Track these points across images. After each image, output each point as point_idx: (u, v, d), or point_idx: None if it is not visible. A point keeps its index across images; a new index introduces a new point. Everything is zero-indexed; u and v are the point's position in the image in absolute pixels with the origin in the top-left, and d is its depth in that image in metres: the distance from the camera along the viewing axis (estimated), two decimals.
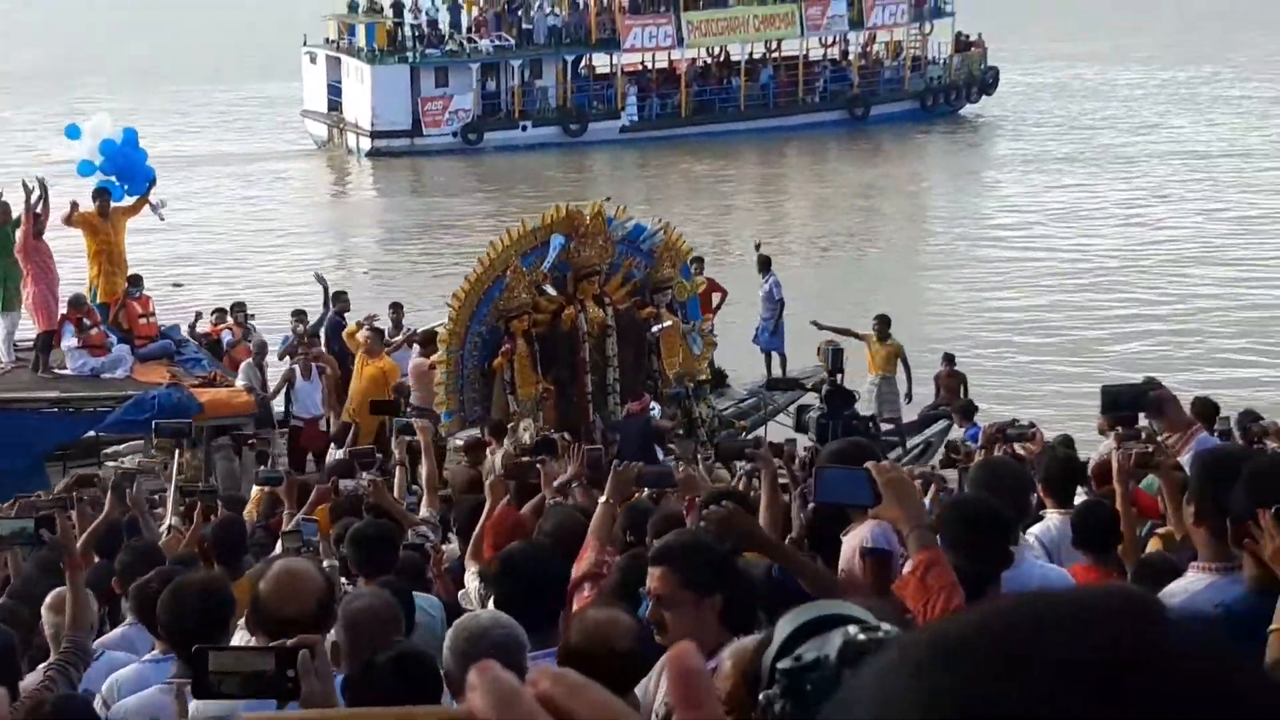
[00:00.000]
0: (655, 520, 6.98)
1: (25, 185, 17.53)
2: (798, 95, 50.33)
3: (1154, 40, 70.26)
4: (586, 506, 7.49)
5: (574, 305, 16.38)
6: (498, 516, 7.81)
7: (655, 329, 16.73)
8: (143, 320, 18.42)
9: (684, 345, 17.14)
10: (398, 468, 10.24)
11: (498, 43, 47.85)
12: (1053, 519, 7.03)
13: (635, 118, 48.70)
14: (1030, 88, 57.49)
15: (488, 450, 13.47)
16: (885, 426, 17.21)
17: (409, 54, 47.08)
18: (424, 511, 8.89)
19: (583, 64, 49.75)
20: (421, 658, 4.26)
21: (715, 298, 19.61)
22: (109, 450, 16.88)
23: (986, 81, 52.62)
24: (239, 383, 17.49)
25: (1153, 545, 6.42)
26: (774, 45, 51.07)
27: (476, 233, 35.67)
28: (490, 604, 5.82)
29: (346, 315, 19.45)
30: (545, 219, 16.57)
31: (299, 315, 19.21)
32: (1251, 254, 30.38)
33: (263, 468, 11.54)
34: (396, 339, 18.73)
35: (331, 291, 19.92)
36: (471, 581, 7.51)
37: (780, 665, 2.08)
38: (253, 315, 20.03)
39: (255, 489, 11.67)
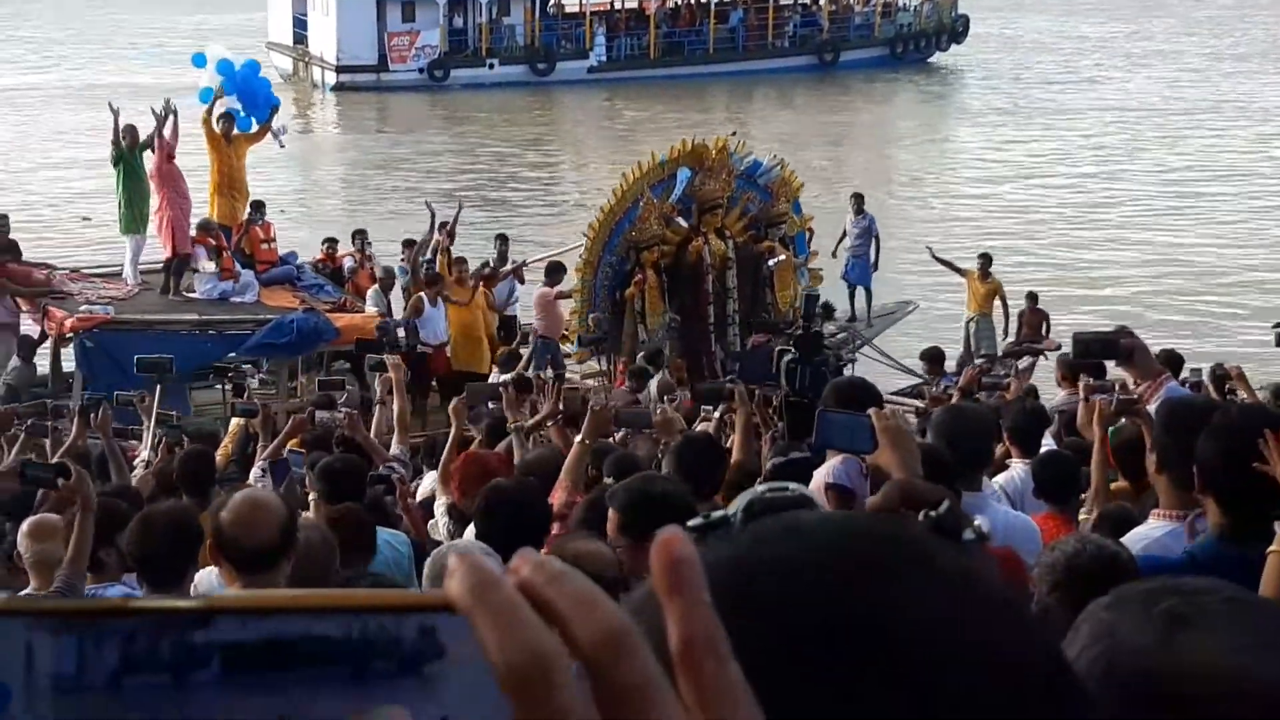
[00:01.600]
0: (609, 462, 7.00)
1: (154, 111, 17.87)
2: (767, 39, 50.13)
3: None
4: (561, 448, 7.49)
5: (699, 238, 16.71)
6: (464, 458, 7.80)
7: (771, 262, 17.14)
8: (264, 246, 18.59)
9: (794, 279, 17.58)
10: (378, 405, 10.22)
11: None
12: (1017, 469, 7.08)
13: (603, 58, 48.42)
14: (1001, 38, 57.42)
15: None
16: (978, 362, 17.59)
17: None
18: (395, 449, 8.88)
19: (551, 2, 49.40)
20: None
21: None
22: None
23: (957, 30, 52.54)
24: (369, 309, 17.49)
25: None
26: None
27: (439, 171, 35.55)
28: (467, 536, 5.82)
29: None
30: (673, 152, 16.91)
31: (409, 244, 19.14)
32: (1220, 208, 30.49)
33: (238, 400, 11.44)
34: (504, 269, 18.73)
35: (438, 221, 19.74)
36: (441, 516, 7.52)
37: (690, 523, 2.06)
38: (370, 243, 20.02)
39: (234, 421, 11.63)
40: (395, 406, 9.48)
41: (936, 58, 52.33)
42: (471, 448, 7.98)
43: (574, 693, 0.62)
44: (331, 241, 20.07)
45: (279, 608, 0.63)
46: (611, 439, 8.52)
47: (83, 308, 16.71)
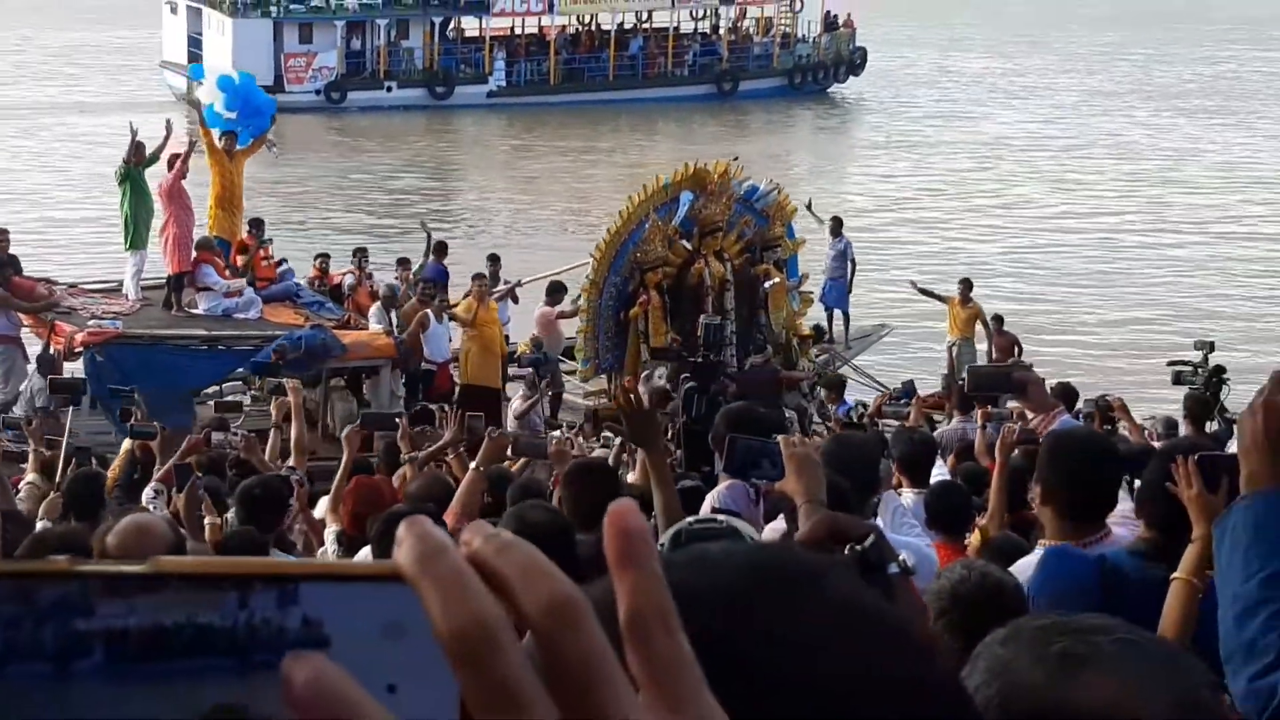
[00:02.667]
0: (513, 489, 6.98)
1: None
2: (667, 68, 50.40)
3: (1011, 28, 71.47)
4: (458, 475, 7.46)
5: (700, 260, 17.15)
6: (356, 484, 7.75)
7: (766, 285, 17.68)
8: (264, 263, 18.68)
9: (787, 301, 18.17)
10: (273, 429, 10.12)
11: (364, 1, 47.24)
12: (907, 498, 7.15)
13: (503, 83, 48.40)
14: (898, 71, 58.15)
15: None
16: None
17: (272, 8, 46.29)
18: (287, 472, 8.79)
19: (451, 26, 49.31)
20: None
21: None
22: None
23: (854, 62, 53.11)
24: (374, 326, 17.53)
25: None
26: (645, 16, 51.08)
27: (333, 192, 35.30)
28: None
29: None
30: (676, 175, 17.36)
31: (403, 263, 19.30)
32: (1089, 248, 31.04)
33: (134, 422, 11.26)
34: (497, 290, 18.75)
35: (434, 241, 19.97)
36: (331, 543, 7.46)
37: None
38: (370, 260, 20.08)
39: (126, 442, 11.46)
40: (293, 430, 9.39)
41: (834, 89, 52.87)
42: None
43: (520, 661, 0.62)
44: (324, 257, 20.03)
45: (224, 574, 0.62)
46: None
47: (90, 322, 16.72)
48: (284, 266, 19.12)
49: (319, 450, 13.39)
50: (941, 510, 6.59)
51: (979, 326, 20.05)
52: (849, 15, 52.91)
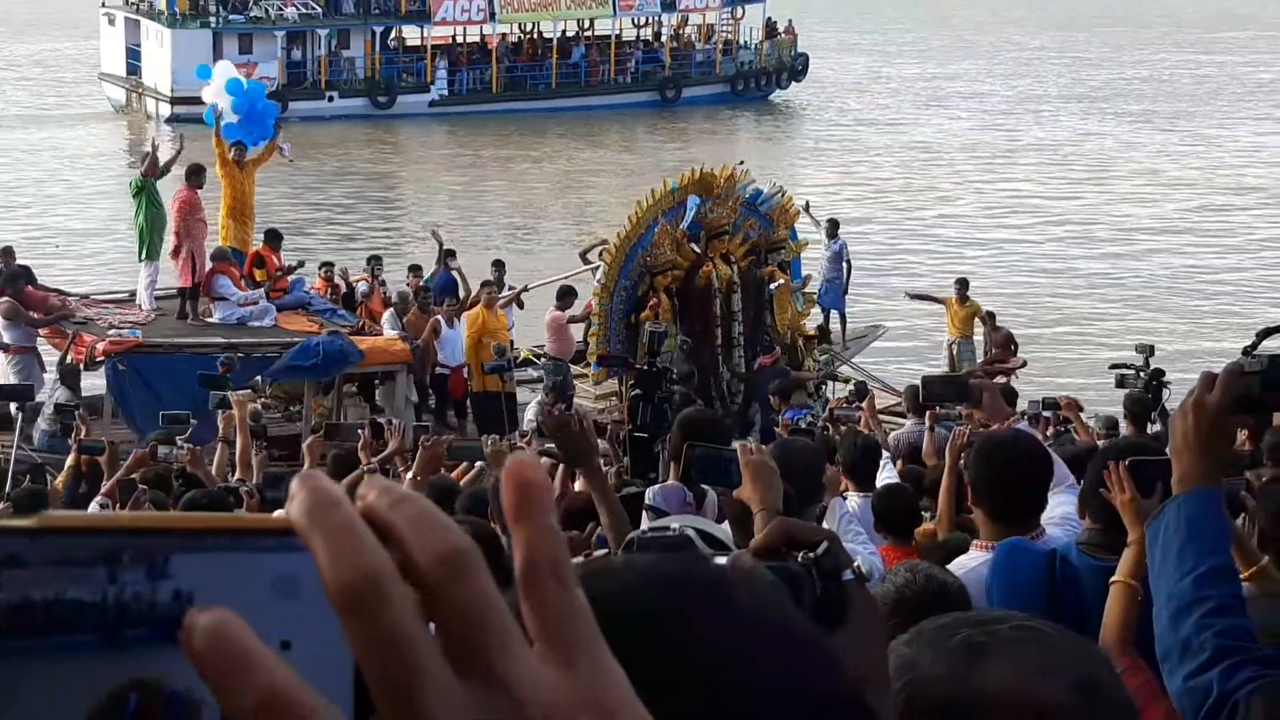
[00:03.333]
0: (462, 499, 6.96)
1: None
2: (609, 75, 50.42)
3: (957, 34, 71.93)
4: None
5: (708, 262, 17.37)
6: None
7: (772, 286, 17.99)
8: (278, 272, 18.77)
9: (791, 303, 18.45)
10: (220, 443, 10.06)
11: (304, 10, 47.02)
12: (853, 502, 7.19)
13: (445, 92, 48.29)
14: (840, 77, 58.42)
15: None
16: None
17: (211, 19, 46.01)
18: (236, 484, 8.74)
19: (392, 36, 49.15)
20: None
21: None
22: None
23: (796, 68, 53.30)
24: (388, 332, 17.68)
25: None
26: (587, 24, 51.09)
27: (273, 204, 35.08)
28: None
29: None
30: (683, 180, 17.61)
31: (415, 270, 19.39)
32: (1032, 246, 31.28)
33: (82, 437, 11.16)
34: (503, 295, 18.93)
35: (444, 249, 20.13)
36: None
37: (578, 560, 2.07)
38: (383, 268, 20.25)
39: (70, 456, 11.36)
40: (238, 444, 9.32)
41: (777, 95, 53.03)
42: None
43: (409, 614, 0.61)
44: (328, 265, 20.09)
45: (112, 528, 0.62)
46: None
47: (110, 332, 16.86)
48: (294, 276, 19.26)
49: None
50: (888, 513, 6.64)
51: (977, 324, 20.36)
52: (790, 22, 53.14)
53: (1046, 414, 12.62)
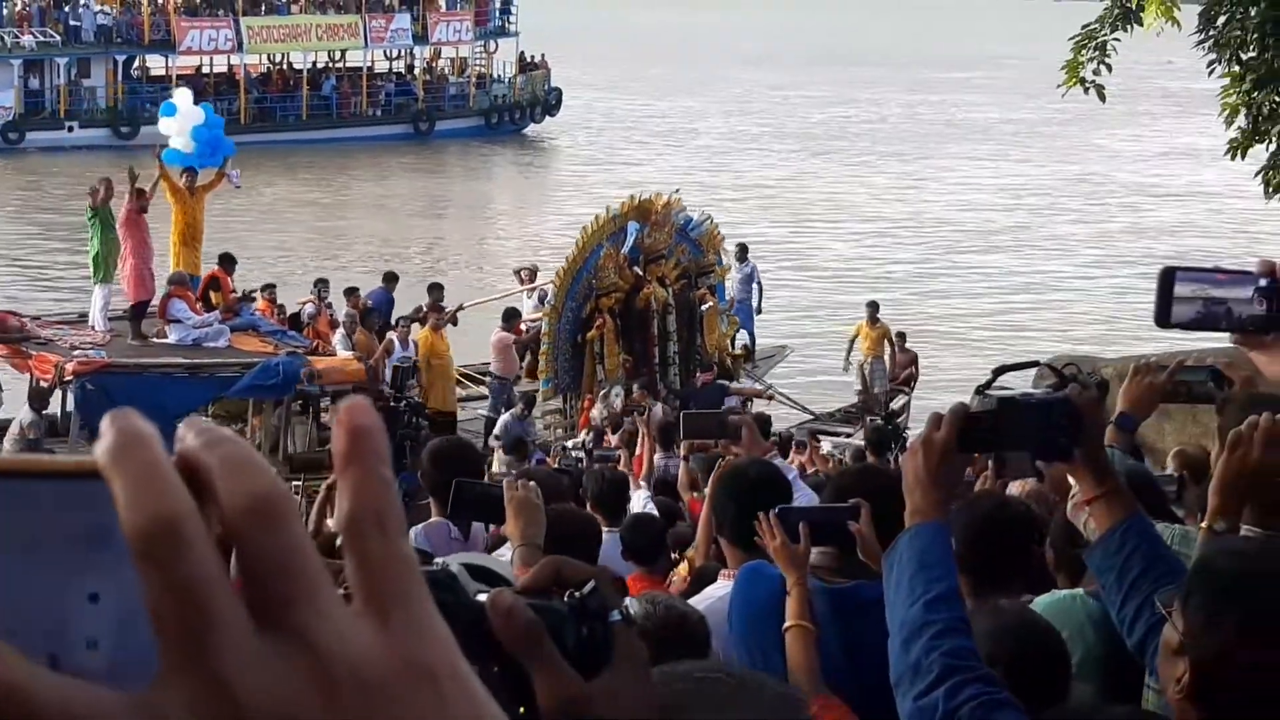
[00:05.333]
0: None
1: (132, 171, 18.67)
2: (361, 107, 49.95)
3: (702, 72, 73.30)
4: None
5: (647, 285, 18.48)
6: None
7: (703, 308, 19.22)
8: (233, 294, 19.11)
9: (719, 324, 19.73)
10: None
11: (42, 39, 45.51)
12: (604, 537, 7.17)
13: None
14: (594, 111, 58.93)
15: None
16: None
17: None
18: None
19: (135, 65, 47.88)
20: None
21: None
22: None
23: (550, 102, 53.59)
24: (341, 352, 18.05)
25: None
26: (337, 55, 50.55)
27: (8, 239, 33.85)
28: None
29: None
30: (623, 207, 18.66)
31: (352, 292, 19.63)
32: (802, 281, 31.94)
33: None
34: (444, 315, 19.23)
35: (384, 271, 21.04)
36: None
37: None
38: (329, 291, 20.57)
39: None
40: None
41: (531, 129, 53.21)
42: None
43: (206, 561, 0.57)
44: (270, 288, 20.29)
45: None
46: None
47: (75, 352, 17.02)
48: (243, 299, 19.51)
49: (280, 474, 13.07)
50: (636, 543, 6.63)
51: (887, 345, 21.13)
52: (543, 56, 53.42)
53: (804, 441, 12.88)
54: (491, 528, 5.63)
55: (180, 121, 20.02)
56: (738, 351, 20.27)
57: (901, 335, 21.31)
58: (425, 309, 19.34)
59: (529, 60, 53.41)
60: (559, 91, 53.86)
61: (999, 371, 3.49)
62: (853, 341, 21.28)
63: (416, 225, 38.13)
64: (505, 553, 4.08)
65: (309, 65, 49.48)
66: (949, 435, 2.51)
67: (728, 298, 20.47)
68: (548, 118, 53.55)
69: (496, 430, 16.88)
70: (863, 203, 41.05)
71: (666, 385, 18.40)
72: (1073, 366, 2.77)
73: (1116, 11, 12.49)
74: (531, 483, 3.88)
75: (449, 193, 42.95)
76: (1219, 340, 2.30)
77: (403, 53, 51.87)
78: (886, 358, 21.06)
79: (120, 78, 46.82)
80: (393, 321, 19.29)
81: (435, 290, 20.07)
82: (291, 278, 26.30)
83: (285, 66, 49.95)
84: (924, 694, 2.43)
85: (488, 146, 50.38)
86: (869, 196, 41.96)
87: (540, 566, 1.37)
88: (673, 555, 7.63)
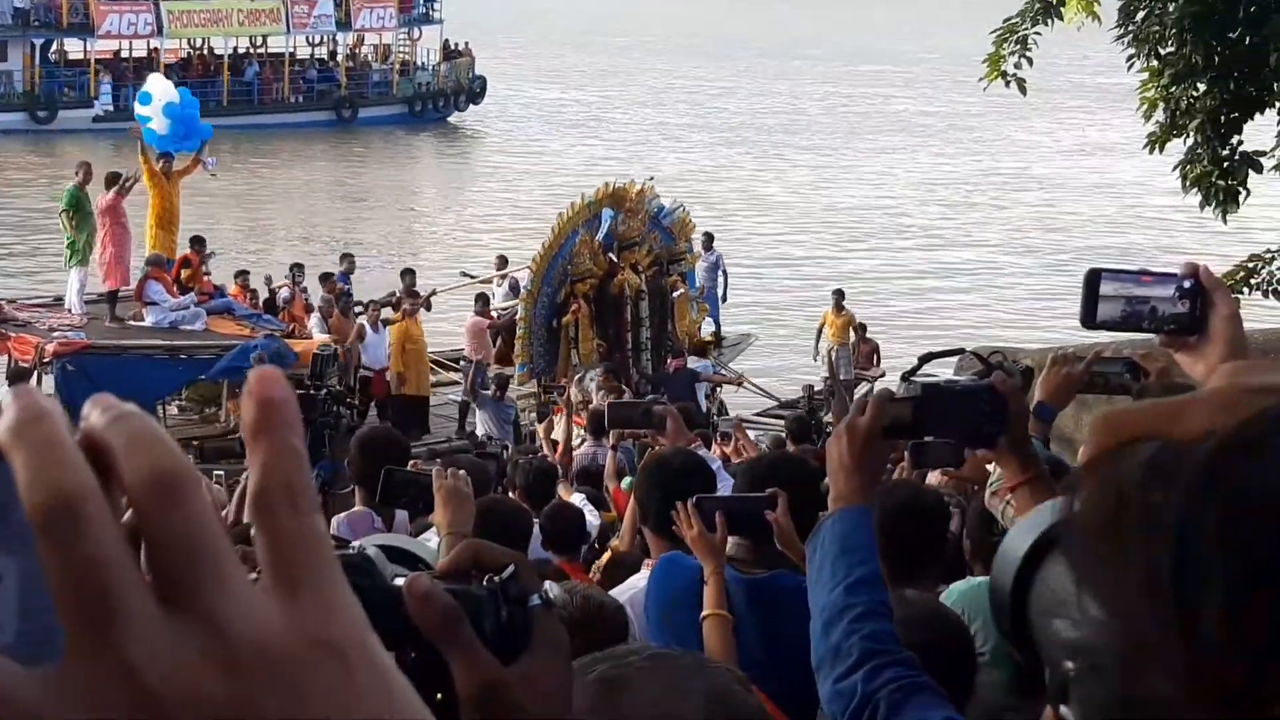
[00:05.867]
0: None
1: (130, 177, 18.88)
2: (283, 93, 49.50)
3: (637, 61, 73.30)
4: None
5: (621, 271, 18.71)
6: None
7: (675, 295, 19.61)
8: (205, 278, 19.39)
9: (689, 311, 20.10)
10: None
11: None
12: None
13: (110, 107, 46.56)
14: (516, 100, 58.77)
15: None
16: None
17: None
18: None
19: (53, 49, 47.18)
20: None
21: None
22: None
23: (474, 90, 53.36)
24: (317, 335, 18.24)
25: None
26: (259, 41, 50.06)
27: None
28: None
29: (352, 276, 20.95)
30: (598, 194, 18.89)
31: (327, 278, 19.92)
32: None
33: None
34: (417, 300, 19.53)
35: (341, 254, 21.48)
36: None
37: None
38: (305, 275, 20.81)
39: None
40: None
41: (455, 117, 52.96)
42: None
43: (107, 540, 0.56)
44: (243, 274, 20.54)
45: None
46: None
47: (54, 334, 17.22)
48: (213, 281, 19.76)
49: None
50: (554, 532, 6.64)
51: (851, 333, 21.36)
52: (467, 44, 53.17)
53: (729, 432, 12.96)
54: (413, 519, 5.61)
55: (156, 104, 20.33)
56: (707, 338, 20.63)
57: (862, 326, 21.61)
58: (399, 294, 19.66)
59: (453, 48, 53.13)
60: (483, 80, 53.64)
61: (925, 359, 3.52)
62: (820, 330, 21.57)
63: (337, 212, 37.88)
64: (431, 539, 4.07)
65: (230, 51, 48.94)
66: (872, 420, 2.52)
67: (697, 285, 20.85)
68: (472, 106, 53.32)
69: (480, 422, 17.39)
70: (776, 194, 41.18)
71: (639, 370, 18.75)
72: (999, 355, 2.79)
73: (1038, 5, 12.60)
74: (461, 471, 3.87)
75: (371, 181, 42.68)
76: (1132, 337, 2.33)
77: (325, 39, 51.43)
78: (852, 344, 21.45)
79: (38, 61, 46.11)
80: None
81: (408, 275, 20.36)
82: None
83: (206, 52, 49.40)
84: (843, 677, 2.44)
85: (411, 134, 50.10)
86: (783, 189, 42.12)
87: (458, 550, 1.37)
88: (595, 545, 7.66)
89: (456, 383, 19.54)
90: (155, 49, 47.72)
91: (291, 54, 49.99)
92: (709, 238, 23.44)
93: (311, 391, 6.76)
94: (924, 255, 33.64)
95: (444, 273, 27.84)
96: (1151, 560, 0.62)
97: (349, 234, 34.87)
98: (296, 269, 20.80)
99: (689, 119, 57.61)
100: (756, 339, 23.26)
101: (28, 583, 0.56)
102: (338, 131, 48.71)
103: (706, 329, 21.23)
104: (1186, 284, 2.15)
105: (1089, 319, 2.22)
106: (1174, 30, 12.44)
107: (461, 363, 19.34)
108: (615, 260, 18.73)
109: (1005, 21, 12.83)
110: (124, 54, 47.99)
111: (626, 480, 8.30)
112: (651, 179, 20.10)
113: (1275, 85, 12.43)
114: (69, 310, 18.62)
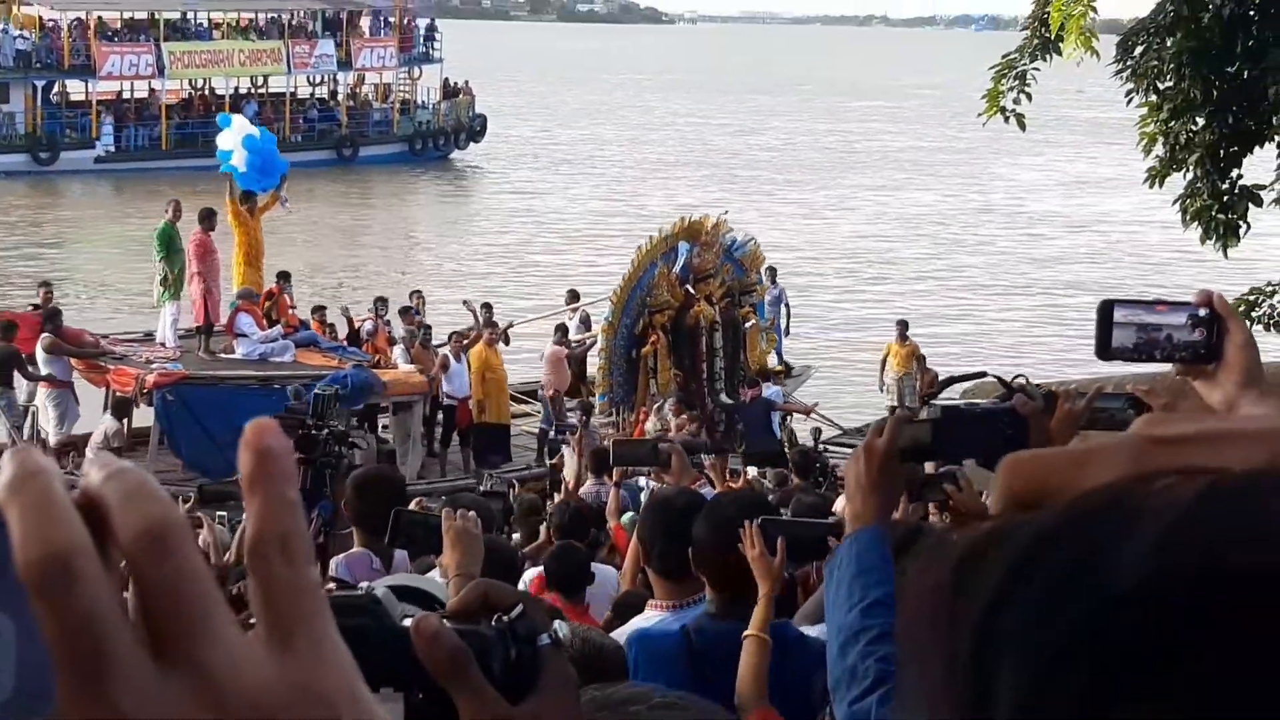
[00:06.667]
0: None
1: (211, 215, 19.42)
2: (284, 133, 49.60)
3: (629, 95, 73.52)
4: None
5: (697, 303, 19.21)
6: None
7: (747, 325, 20.06)
8: (291, 311, 19.99)
9: (759, 341, 20.59)
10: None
11: None
12: (530, 571, 7.13)
13: (112, 148, 46.70)
14: (519, 138, 58.97)
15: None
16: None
17: None
18: None
19: (55, 90, 47.34)
20: None
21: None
22: None
23: (474, 129, 53.51)
24: (403, 366, 18.91)
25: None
26: (260, 81, 50.22)
27: None
28: None
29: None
30: (675, 228, 19.44)
31: (406, 311, 20.44)
32: None
33: None
34: (496, 332, 20.03)
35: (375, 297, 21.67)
36: None
37: None
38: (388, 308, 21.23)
39: None
40: None
41: (455, 155, 53.08)
42: None
43: (99, 595, 0.57)
44: (320, 309, 20.85)
45: None
46: None
47: (153, 366, 17.76)
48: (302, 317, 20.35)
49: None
50: (560, 573, 6.57)
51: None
52: (467, 83, 53.35)
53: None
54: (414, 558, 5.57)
55: (235, 141, 20.86)
56: (778, 368, 21.09)
57: (921, 357, 21.87)
58: (478, 326, 20.11)
59: (453, 86, 53.31)
60: (483, 118, 53.80)
61: (946, 382, 3.50)
62: (884, 361, 21.87)
63: (338, 252, 37.94)
64: (434, 578, 4.06)
65: (231, 91, 49.10)
66: (890, 442, 2.51)
67: (766, 317, 21.31)
68: (472, 144, 53.45)
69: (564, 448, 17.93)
70: (763, 232, 41.26)
71: (714, 400, 19.23)
72: (1021, 377, 2.76)
73: (1036, 41, 12.62)
74: (471, 513, 3.86)
75: (371, 219, 42.77)
76: (1143, 369, 2.31)
77: (326, 78, 51.61)
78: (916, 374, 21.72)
79: (39, 103, 46.25)
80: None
81: (487, 309, 20.76)
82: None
83: (207, 92, 49.55)
84: (859, 699, 2.44)
85: (412, 173, 50.21)
86: (768, 226, 42.24)
87: (468, 590, 1.36)
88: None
89: (528, 414, 20.15)
90: (156, 90, 47.91)
91: (292, 94, 50.15)
92: (773, 271, 23.76)
93: (313, 431, 6.73)
94: (913, 290, 33.69)
95: (445, 307, 27.91)
96: (954, 648, 0.61)
97: (351, 272, 34.92)
98: (380, 303, 21.27)
99: (679, 154, 57.83)
100: (815, 370, 23.56)
101: (25, 639, 0.57)
102: (339, 170, 48.82)
103: (772, 359, 21.69)
104: (1201, 312, 2.13)
105: (1103, 350, 2.20)
106: (1172, 65, 12.47)
107: (539, 392, 19.99)
108: (691, 292, 19.26)
109: (1004, 58, 12.86)
110: (125, 95, 48.15)
111: (628, 516, 8.27)
112: (726, 212, 20.58)
113: (1274, 119, 12.45)
114: (161, 344, 19.14)
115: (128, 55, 46.98)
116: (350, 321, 20.79)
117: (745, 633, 3.65)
